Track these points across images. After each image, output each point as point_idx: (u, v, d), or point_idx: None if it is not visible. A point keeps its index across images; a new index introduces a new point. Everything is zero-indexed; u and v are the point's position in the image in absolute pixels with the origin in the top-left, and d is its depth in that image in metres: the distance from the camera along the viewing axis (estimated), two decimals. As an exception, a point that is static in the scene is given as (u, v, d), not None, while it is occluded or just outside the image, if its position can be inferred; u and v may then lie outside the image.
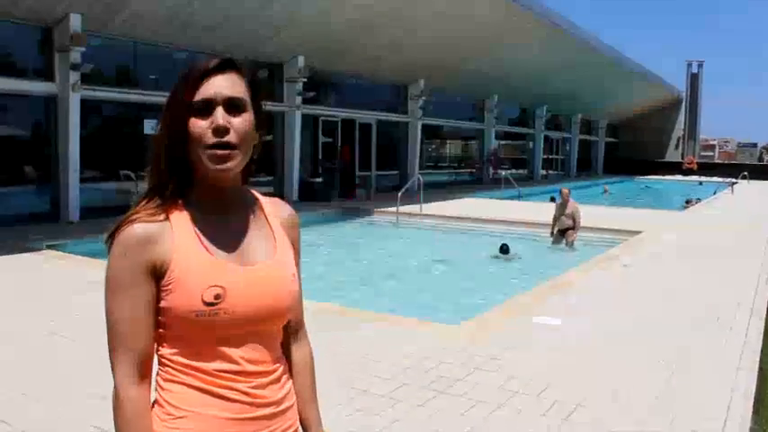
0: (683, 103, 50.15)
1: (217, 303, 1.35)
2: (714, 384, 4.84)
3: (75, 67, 13.11)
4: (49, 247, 10.35)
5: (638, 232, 13.13)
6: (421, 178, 18.19)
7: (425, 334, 5.85)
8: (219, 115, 1.38)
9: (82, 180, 13.80)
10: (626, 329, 6.21)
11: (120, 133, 15.38)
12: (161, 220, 1.39)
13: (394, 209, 15.83)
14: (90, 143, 14.11)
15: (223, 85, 1.41)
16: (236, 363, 1.40)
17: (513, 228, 14.76)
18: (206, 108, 1.38)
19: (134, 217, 1.38)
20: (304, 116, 19.17)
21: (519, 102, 33.79)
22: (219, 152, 1.37)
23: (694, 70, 50.09)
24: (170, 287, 1.36)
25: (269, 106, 18.35)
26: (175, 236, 1.38)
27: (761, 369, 5.31)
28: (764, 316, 7.02)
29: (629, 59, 35.85)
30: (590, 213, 16.13)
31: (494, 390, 4.58)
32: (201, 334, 1.37)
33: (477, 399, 4.42)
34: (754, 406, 4.54)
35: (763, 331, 6.38)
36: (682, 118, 50.45)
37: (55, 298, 7.14)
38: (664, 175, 45.54)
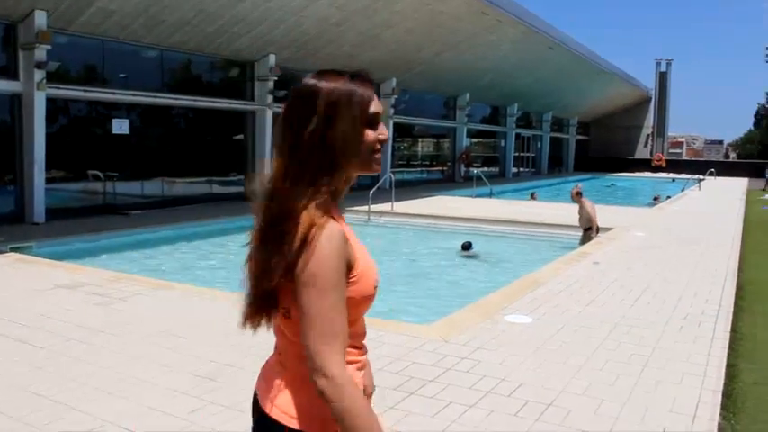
0: (652, 101, 50.75)
1: (375, 290, 1.67)
2: (684, 380, 4.86)
3: (40, 65, 12.88)
4: (14, 249, 10.14)
5: (608, 229, 13.21)
6: (392, 176, 18.18)
7: (396, 335, 5.80)
8: (384, 127, 1.67)
9: (48, 180, 13.57)
10: (597, 326, 6.22)
11: (87, 133, 15.15)
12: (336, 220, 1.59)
13: (365, 207, 15.78)
14: (56, 143, 13.89)
15: (379, 102, 1.68)
16: (361, 335, 1.74)
17: (485, 225, 14.79)
18: (376, 121, 1.64)
19: (324, 218, 1.54)
20: (275, 115, 19.04)
21: (490, 100, 33.91)
22: (380, 156, 1.67)
23: (663, 69, 50.72)
24: (355, 279, 1.59)
25: (239, 105, 18.25)
26: (349, 234, 1.62)
27: (729, 365, 5.35)
28: (732, 311, 7.10)
29: (599, 58, 36.14)
30: (560, 210, 16.24)
31: (466, 390, 4.55)
32: (356, 317, 1.64)
33: (450, 399, 4.39)
34: (722, 401, 4.57)
35: (730, 328, 6.44)
36: (651, 116, 51.03)
37: (18, 302, 6.99)
38: (634, 172, 46.07)
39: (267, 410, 1.62)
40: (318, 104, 1.58)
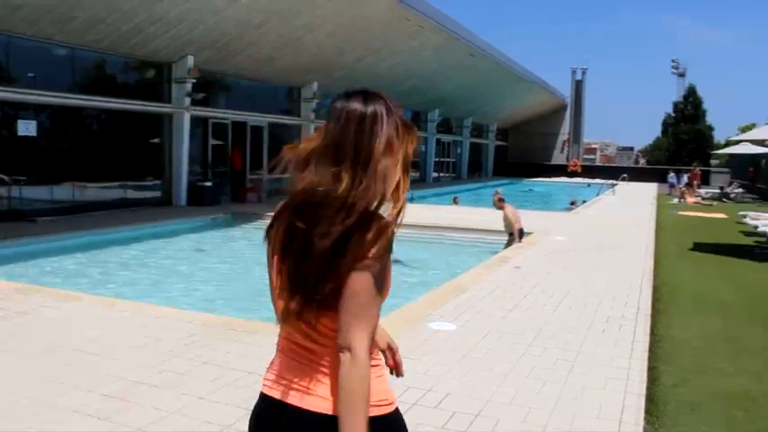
0: (568, 109, 52.13)
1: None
2: (609, 384, 4.87)
3: (-62, 62, 12.13)
4: None
5: (527, 234, 13.38)
6: (315, 182, 17.97)
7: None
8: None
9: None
10: (521, 332, 6.21)
11: (-9, 134, 14.37)
12: None
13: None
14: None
15: None
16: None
17: (408, 231, 14.71)
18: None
19: (392, 228, 1.76)
20: (193, 118, 18.55)
21: (412, 105, 34.06)
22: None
23: (578, 77, 52.18)
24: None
25: (155, 107, 17.69)
26: None
27: (650, 368, 5.41)
28: (649, 313, 7.24)
29: (518, 66, 36.82)
30: (482, 215, 16.38)
31: (391, 401, 4.43)
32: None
33: (375, 412, 4.25)
34: (645, 405, 4.60)
35: (649, 330, 6.54)
36: (567, 122, 52.42)
37: None
38: (550, 177, 47.16)
39: (317, 410, 1.71)
40: (392, 125, 1.80)
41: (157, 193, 18.31)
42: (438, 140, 37.66)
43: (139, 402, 4.33)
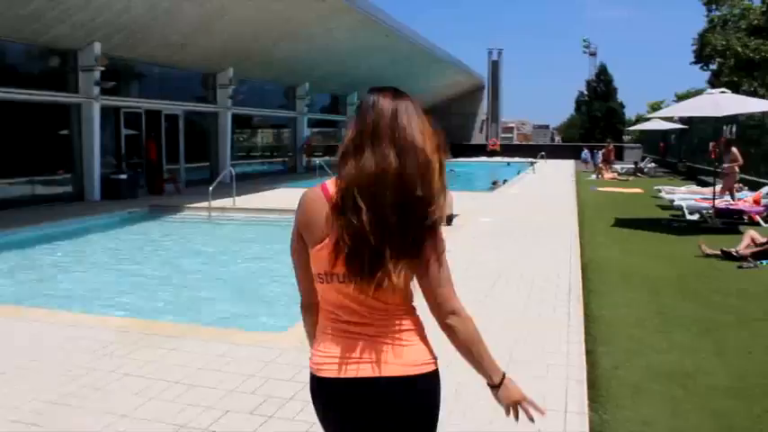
0: (486, 89, 52.64)
1: None
2: (550, 372, 4.77)
3: None
4: None
5: (454, 216, 13.30)
6: (233, 171, 17.43)
7: (247, 347, 5.33)
8: None
9: None
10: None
11: None
12: None
13: (206, 204, 15.01)
14: None
15: None
16: None
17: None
18: None
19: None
20: (103, 108, 17.70)
21: (331, 89, 33.69)
22: None
23: (495, 57, 52.67)
24: None
25: (62, 97, 16.80)
26: None
27: (588, 351, 5.34)
28: (581, 294, 7.22)
29: (435, 46, 36.84)
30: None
31: (328, 403, 4.19)
32: None
33: (313, 420, 4.00)
34: (588, 392, 4.51)
35: (583, 311, 6.50)
36: (485, 102, 52.94)
37: None
38: (471, 157, 47.53)
39: (420, 372, 1.93)
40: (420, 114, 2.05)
41: (69, 188, 17.43)
42: (358, 124, 37.30)
43: (55, 427, 3.95)
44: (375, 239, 1.83)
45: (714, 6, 38.12)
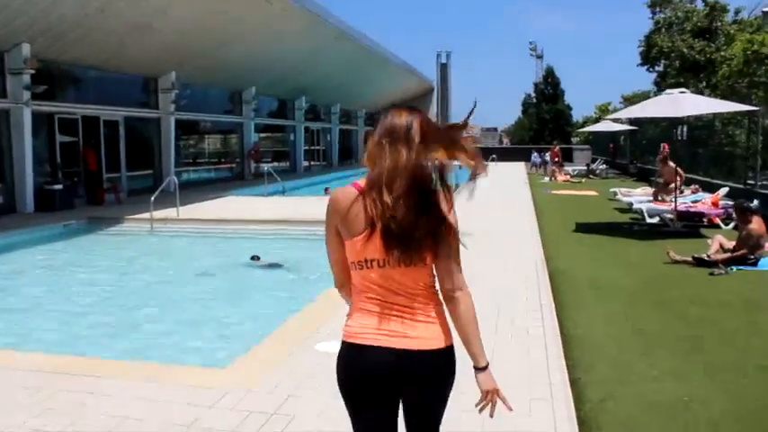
0: (435, 92, 52.38)
1: None
2: (533, 408, 4.19)
3: None
4: None
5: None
6: (176, 179, 16.52)
7: (180, 388, 4.60)
8: None
9: None
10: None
11: None
12: None
13: (147, 214, 14.10)
14: None
15: None
16: None
17: (281, 227, 13.76)
18: None
19: None
20: (35, 114, 16.63)
21: (278, 93, 32.84)
22: None
23: (443, 60, 52.47)
24: None
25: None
26: None
27: (571, 381, 4.79)
28: (553, 309, 6.71)
29: (384, 49, 36.32)
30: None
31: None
32: None
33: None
34: (579, 430, 3.96)
35: (559, 330, 5.97)
36: (435, 106, 52.64)
37: None
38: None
39: (446, 344, 2.31)
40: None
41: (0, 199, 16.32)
42: (307, 128, 36.58)
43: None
44: (402, 221, 2.19)
45: (658, 9, 38.53)
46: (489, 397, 2.35)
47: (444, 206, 2.26)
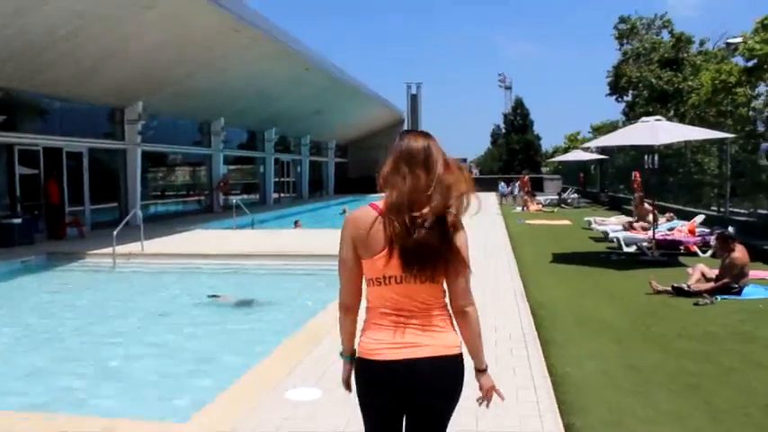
0: (405, 123, 52.29)
1: None
2: None
3: None
4: None
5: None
6: (140, 213, 15.96)
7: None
8: None
9: None
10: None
11: None
12: None
13: (110, 250, 13.52)
14: None
15: None
16: None
17: (248, 261, 13.28)
18: None
19: None
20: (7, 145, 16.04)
21: (248, 124, 32.45)
22: None
23: (413, 91, 52.52)
24: None
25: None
26: None
27: (566, 426, 4.41)
28: (539, 346, 6.35)
29: (354, 80, 36.12)
30: (328, 238, 15.24)
31: None
32: None
33: None
34: None
35: (547, 370, 5.60)
36: (405, 137, 52.52)
37: None
38: (392, 192, 46.88)
39: (457, 351, 2.52)
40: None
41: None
42: (277, 160, 36.17)
43: None
44: (418, 244, 2.38)
45: (626, 41, 39.03)
46: (488, 393, 2.68)
47: (458, 230, 2.49)
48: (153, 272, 13.09)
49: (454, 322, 2.54)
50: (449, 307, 2.55)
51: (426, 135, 2.55)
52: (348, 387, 2.69)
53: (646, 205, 14.92)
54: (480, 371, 2.64)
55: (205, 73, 22.15)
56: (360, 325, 2.58)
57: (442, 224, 2.42)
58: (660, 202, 17.78)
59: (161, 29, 17.49)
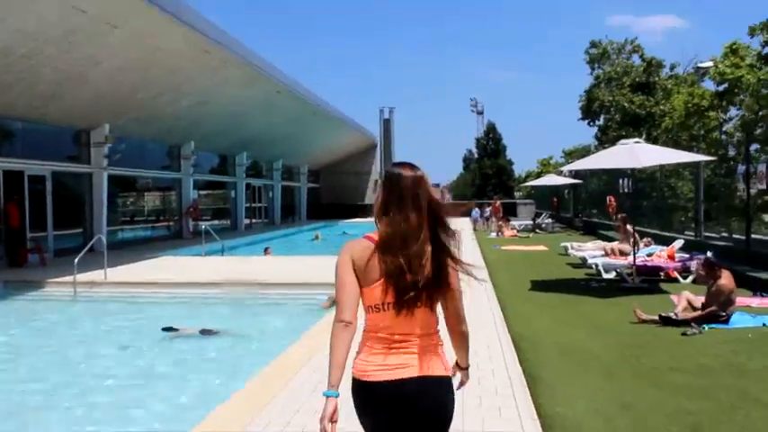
0: (378, 147, 52.04)
1: None
2: None
3: None
4: None
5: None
6: (104, 238, 15.35)
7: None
8: None
9: None
10: None
11: None
12: None
13: (71, 278, 12.91)
14: None
15: None
16: None
17: (216, 290, 12.76)
18: None
19: None
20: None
21: (219, 148, 31.90)
22: None
23: (386, 116, 52.34)
24: None
25: None
26: None
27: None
28: (525, 383, 5.93)
29: (327, 104, 35.80)
30: (298, 265, 14.86)
31: None
32: None
33: None
34: None
35: (535, 412, 5.19)
36: (378, 161, 52.24)
37: None
38: (365, 217, 46.48)
39: (447, 374, 2.65)
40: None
41: None
42: (248, 185, 35.59)
43: None
44: (412, 277, 2.53)
45: (597, 65, 39.27)
46: (464, 385, 2.98)
47: (450, 263, 2.62)
48: (116, 301, 12.50)
49: (445, 348, 2.68)
50: (440, 334, 2.68)
51: (415, 169, 2.66)
52: (330, 415, 2.43)
53: (629, 227, 14.65)
54: (462, 367, 2.91)
55: (173, 95, 21.66)
56: (354, 346, 2.61)
57: (435, 261, 2.56)
58: (636, 227, 17.58)
59: (123, 53, 16.99)
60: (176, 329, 9.59)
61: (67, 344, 9.49)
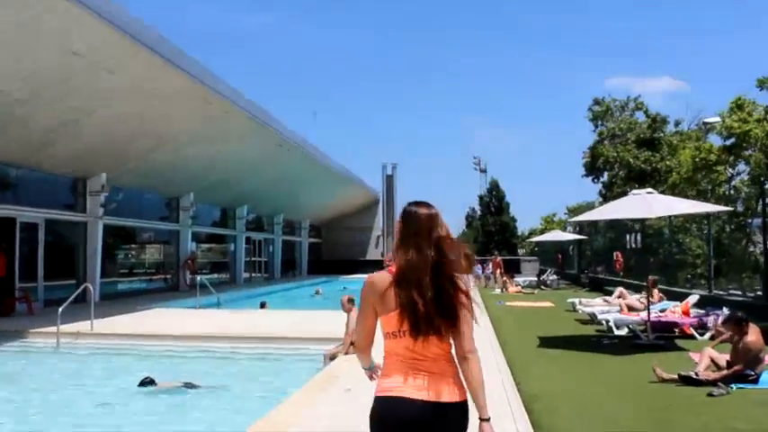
0: (381, 203, 51.62)
1: None
2: None
3: None
4: None
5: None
6: (92, 288, 14.74)
7: None
8: None
9: None
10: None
11: None
12: None
13: (54, 328, 12.24)
14: None
15: None
16: None
17: (207, 344, 12.12)
18: None
19: None
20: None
21: (219, 201, 31.48)
22: None
23: (389, 172, 52.01)
24: None
25: None
26: None
27: None
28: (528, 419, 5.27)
29: (329, 159, 35.50)
30: (297, 320, 14.23)
31: None
32: None
33: None
34: None
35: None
36: (380, 217, 51.76)
37: None
38: (367, 273, 45.75)
39: (462, 399, 2.76)
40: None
41: None
42: (248, 238, 35.08)
43: None
44: (425, 308, 2.72)
45: (600, 122, 39.12)
46: None
47: (462, 295, 2.82)
48: (100, 353, 11.82)
49: (460, 373, 2.80)
50: (455, 361, 2.82)
51: (429, 206, 2.92)
52: (371, 377, 3.05)
53: (656, 291, 14.09)
54: (483, 419, 2.77)
55: (171, 145, 21.29)
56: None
57: (447, 295, 2.77)
58: (644, 283, 17.01)
59: (120, 101, 16.66)
60: (155, 383, 8.91)
61: (43, 396, 8.79)
